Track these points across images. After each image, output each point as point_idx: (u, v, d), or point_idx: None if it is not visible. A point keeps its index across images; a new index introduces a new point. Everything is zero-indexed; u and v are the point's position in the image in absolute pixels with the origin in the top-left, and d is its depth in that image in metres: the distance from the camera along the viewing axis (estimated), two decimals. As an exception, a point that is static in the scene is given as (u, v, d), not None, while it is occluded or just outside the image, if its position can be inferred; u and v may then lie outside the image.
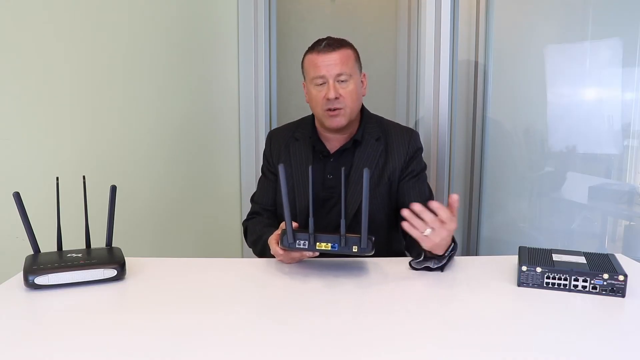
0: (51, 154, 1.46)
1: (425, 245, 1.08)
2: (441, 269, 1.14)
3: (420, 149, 1.41)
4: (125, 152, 1.69)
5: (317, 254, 1.11)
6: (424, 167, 1.42)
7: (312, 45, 1.36)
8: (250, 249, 1.44)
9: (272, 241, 1.18)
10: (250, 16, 2.08)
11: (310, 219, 1.07)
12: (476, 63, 2.00)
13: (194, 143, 2.01)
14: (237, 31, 2.11)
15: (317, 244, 1.07)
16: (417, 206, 1.04)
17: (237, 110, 2.16)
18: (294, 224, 1.11)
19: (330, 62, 1.31)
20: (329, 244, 1.07)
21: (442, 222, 1.04)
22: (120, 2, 1.63)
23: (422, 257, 1.13)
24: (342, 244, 1.07)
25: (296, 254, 1.14)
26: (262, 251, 1.32)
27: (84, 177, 1.13)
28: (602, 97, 1.75)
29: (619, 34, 1.66)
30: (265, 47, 2.09)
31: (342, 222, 1.07)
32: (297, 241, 1.08)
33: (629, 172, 1.70)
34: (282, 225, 1.19)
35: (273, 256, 1.22)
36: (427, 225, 1.04)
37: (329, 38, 1.35)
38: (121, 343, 0.82)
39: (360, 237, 1.07)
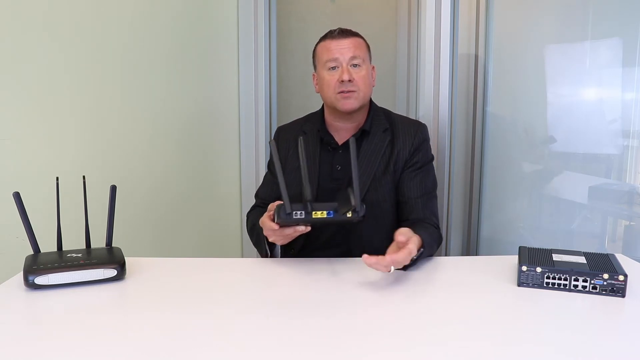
0: (51, 154, 1.46)
1: None
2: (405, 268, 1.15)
3: (426, 141, 1.42)
4: (125, 152, 1.69)
5: (309, 228, 1.12)
6: (430, 158, 1.43)
7: (324, 35, 1.39)
8: (251, 248, 1.44)
9: (265, 220, 1.16)
10: (250, 16, 2.08)
11: (307, 184, 1.08)
12: (476, 63, 1.99)
13: (194, 143, 2.01)
14: (237, 31, 2.11)
15: (313, 212, 1.07)
16: (371, 259, 1.03)
17: (237, 110, 2.16)
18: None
19: (344, 47, 1.34)
20: (325, 212, 1.07)
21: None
22: (121, 2, 1.63)
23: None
24: (338, 210, 1.08)
25: (289, 230, 1.13)
26: (258, 239, 1.33)
27: (84, 177, 1.14)
28: (602, 97, 1.75)
29: (620, 33, 1.65)
30: (265, 47, 2.09)
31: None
32: (294, 212, 1.07)
33: (629, 172, 1.69)
34: (273, 204, 1.18)
35: (269, 249, 1.23)
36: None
37: (340, 28, 1.38)
38: (121, 343, 0.82)
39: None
